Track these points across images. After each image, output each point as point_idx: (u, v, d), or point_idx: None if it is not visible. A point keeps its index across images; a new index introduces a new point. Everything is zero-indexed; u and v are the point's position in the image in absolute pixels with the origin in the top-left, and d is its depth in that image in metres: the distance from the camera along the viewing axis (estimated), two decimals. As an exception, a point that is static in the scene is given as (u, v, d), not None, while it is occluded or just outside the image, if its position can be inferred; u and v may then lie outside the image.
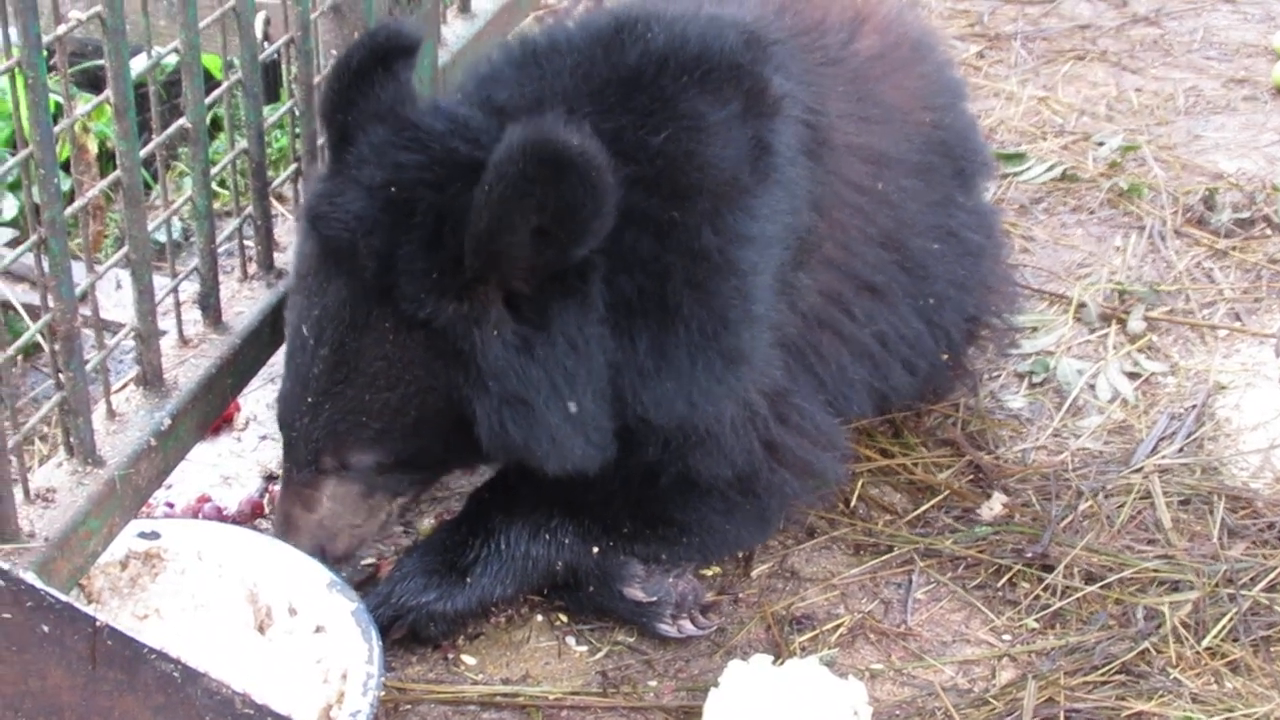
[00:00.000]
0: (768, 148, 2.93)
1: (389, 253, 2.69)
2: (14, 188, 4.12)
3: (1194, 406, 3.75)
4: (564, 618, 3.13)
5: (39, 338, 2.50)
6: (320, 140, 3.17)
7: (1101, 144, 4.96)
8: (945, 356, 3.54)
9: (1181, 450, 3.61)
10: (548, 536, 3.03)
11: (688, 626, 3.07)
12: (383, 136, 2.80)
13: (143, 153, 2.60)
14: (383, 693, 2.75)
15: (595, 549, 3.06)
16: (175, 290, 2.85)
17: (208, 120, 2.84)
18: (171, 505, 3.31)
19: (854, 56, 3.36)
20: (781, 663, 2.92)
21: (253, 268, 3.11)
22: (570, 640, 3.09)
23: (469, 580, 3.01)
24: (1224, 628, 3.09)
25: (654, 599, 3.07)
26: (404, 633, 3.01)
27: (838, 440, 3.24)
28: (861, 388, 3.31)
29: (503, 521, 3.04)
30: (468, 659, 3.03)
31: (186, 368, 2.83)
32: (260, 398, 3.69)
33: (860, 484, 3.48)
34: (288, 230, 3.23)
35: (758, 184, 2.90)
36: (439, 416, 2.80)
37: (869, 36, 3.42)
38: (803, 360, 3.14)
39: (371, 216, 2.72)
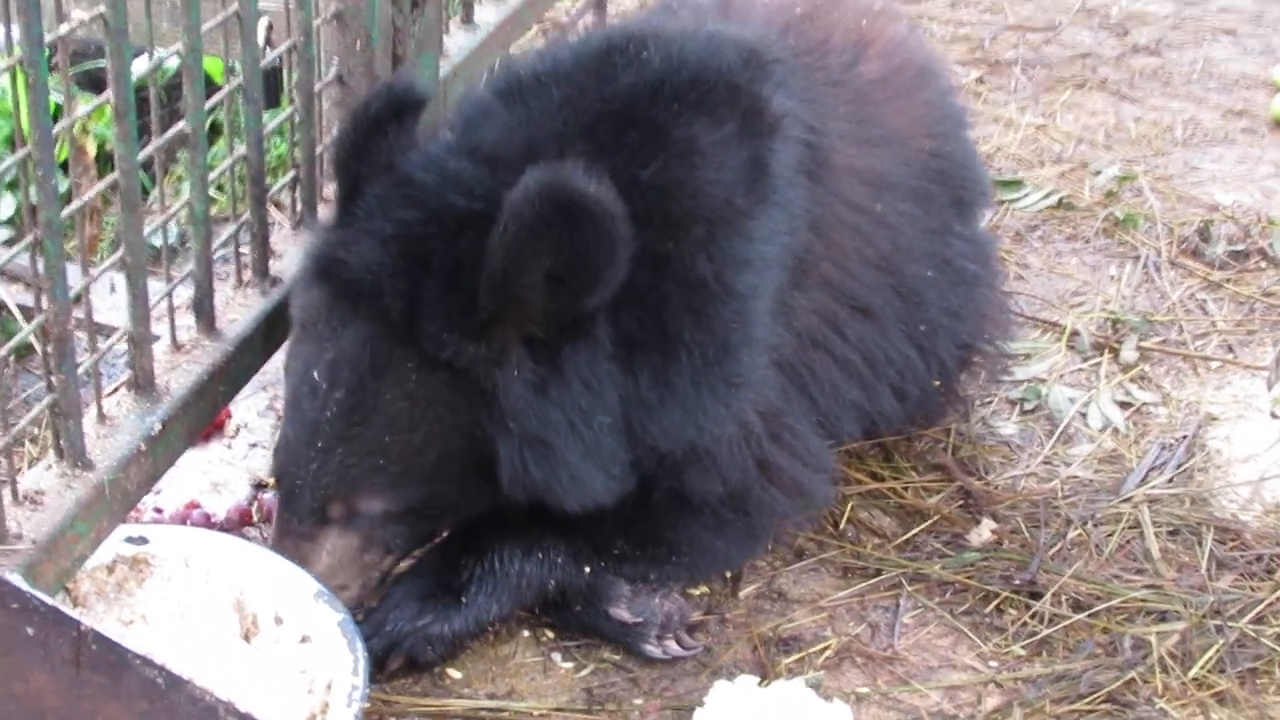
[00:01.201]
0: (765, 168, 2.93)
1: (412, 294, 2.71)
2: (11, 187, 4.12)
3: (1185, 437, 3.75)
4: (550, 634, 3.12)
5: (32, 339, 2.49)
6: (323, 162, 3.19)
7: (1098, 173, 4.96)
8: (937, 382, 3.54)
9: (1171, 481, 3.61)
10: (540, 555, 3.01)
11: (673, 647, 3.06)
12: (382, 190, 2.83)
13: (141, 156, 2.59)
14: (367, 704, 2.74)
15: (587, 569, 3.04)
16: (170, 295, 2.83)
17: (207, 125, 2.83)
18: (160, 511, 3.30)
19: (857, 79, 3.36)
20: (767, 684, 2.91)
21: (248, 274, 3.10)
22: (556, 656, 3.08)
23: (464, 600, 2.98)
24: (1211, 659, 3.08)
25: (640, 619, 3.05)
26: (401, 661, 2.97)
27: (827, 462, 3.24)
28: (852, 409, 3.30)
29: (495, 541, 3.01)
30: (453, 673, 3.02)
31: (179, 373, 2.82)
32: (252, 405, 3.68)
33: (850, 507, 3.48)
34: (284, 238, 3.23)
35: (754, 206, 2.90)
36: (459, 457, 2.80)
37: (873, 60, 3.42)
38: (797, 380, 3.14)
39: (390, 263, 2.74)
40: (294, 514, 2.91)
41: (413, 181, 2.82)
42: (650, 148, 2.84)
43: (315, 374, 2.81)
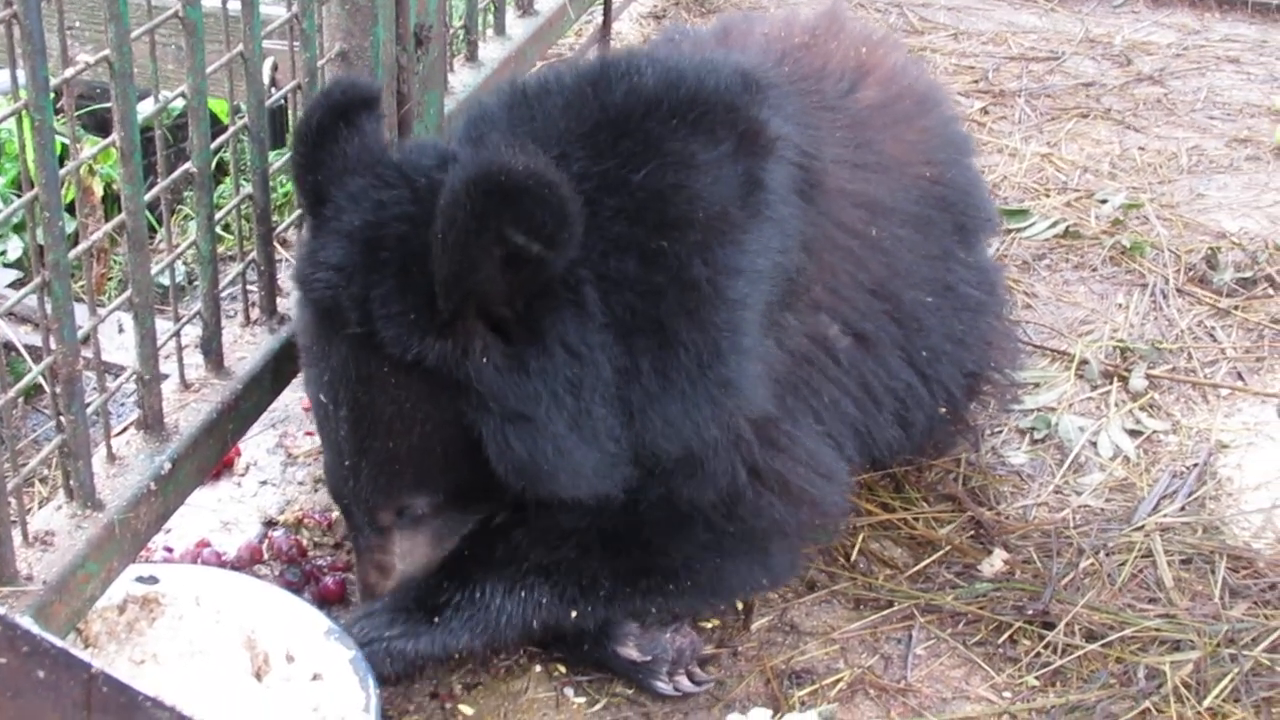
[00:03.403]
0: (760, 184, 2.93)
1: (366, 298, 2.69)
2: (19, 229, 4.13)
3: (1196, 465, 3.74)
4: (562, 668, 3.11)
5: (41, 380, 2.50)
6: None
7: (1104, 201, 4.97)
8: (945, 411, 3.53)
9: (1183, 509, 3.60)
10: (523, 594, 2.97)
11: (684, 683, 3.04)
12: (360, 184, 2.80)
13: (148, 196, 2.60)
14: (379, 742, 2.74)
15: (573, 612, 3.00)
16: (178, 334, 2.84)
17: (213, 165, 2.84)
18: (170, 550, 3.30)
19: (854, 105, 3.36)
20: (780, 717, 2.90)
21: (255, 312, 3.11)
22: (568, 691, 3.07)
23: (436, 621, 2.96)
24: (1225, 688, 3.07)
25: (649, 657, 3.03)
26: None
27: (836, 470, 3.18)
28: (850, 428, 3.27)
29: (479, 573, 2.99)
30: (465, 709, 3.01)
31: (187, 412, 2.82)
32: (261, 443, 3.68)
33: (861, 538, 3.47)
34: (291, 275, 3.23)
35: (749, 219, 2.90)
36: (462, 447, 2.77)
37: (871, 88, 3.42)
38: (795, 393, 3.11)
39: (350, 264, 2.73)
40: (356, 529, 2.96)
41: (403, 164, 2.81)
42: (643, 155, 2.84)
43: (322, 396, 2.84)
